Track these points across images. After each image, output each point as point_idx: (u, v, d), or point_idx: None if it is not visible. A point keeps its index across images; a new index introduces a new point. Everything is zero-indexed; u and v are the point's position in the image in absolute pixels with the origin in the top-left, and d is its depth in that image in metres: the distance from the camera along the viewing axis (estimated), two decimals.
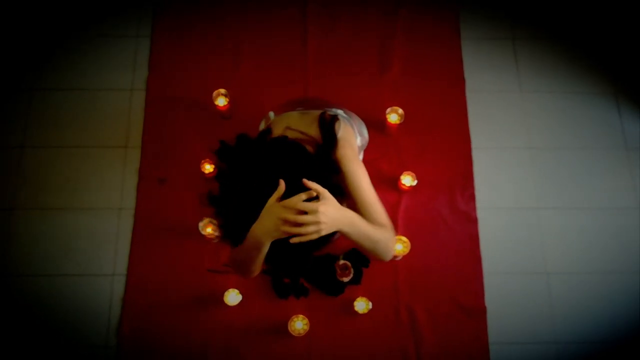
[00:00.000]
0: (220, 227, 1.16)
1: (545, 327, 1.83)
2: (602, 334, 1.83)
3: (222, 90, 1.93)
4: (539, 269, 1.89)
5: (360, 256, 1.84)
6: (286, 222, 0.98)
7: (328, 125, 1.23)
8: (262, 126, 1.54)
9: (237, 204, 1.07)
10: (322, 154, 1.17)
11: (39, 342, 1.76)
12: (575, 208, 1.97)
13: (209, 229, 1.77)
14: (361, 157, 1.42)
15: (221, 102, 1.92)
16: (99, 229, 1.89)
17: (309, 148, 1.17)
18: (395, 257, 1.82)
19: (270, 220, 1.00)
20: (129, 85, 2.07)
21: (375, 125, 1.97)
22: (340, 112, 1.41)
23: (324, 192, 1.00)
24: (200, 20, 2.17)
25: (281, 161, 1.08)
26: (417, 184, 1.90)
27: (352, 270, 1.79)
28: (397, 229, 1.90)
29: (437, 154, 2.01)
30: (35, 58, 2.10)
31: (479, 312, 1.82)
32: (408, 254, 1.80)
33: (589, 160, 2.04)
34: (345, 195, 1.15)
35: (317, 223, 0.98)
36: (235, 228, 1.09)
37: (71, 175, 1.95)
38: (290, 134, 1.21)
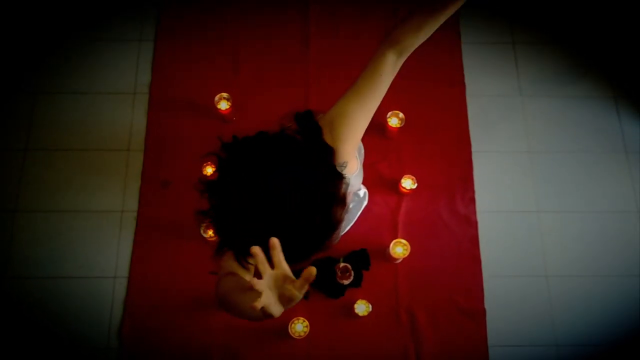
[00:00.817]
0: (213, 221, 1.08)
1: (544, 330, 1.83)
2: (602, 337, 1.83)
3: (225, 94, 1.94)
4: (539, 271, 1.90)
5: (360, 259, 1.85)
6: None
7: (304, 117, 1.18)
8: None
9: (233, 194, 1.03)
10: (309, 139, 1.12)
11: (41, 343, 1.77)
12: (575, 211, 1.98)
13: (210, 232, 1.78)
14: (360, 166, 1.41)
15: (223, 105, 1.94)
16: (101, 232, 1.90)
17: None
18: (395, 260, 1.83)
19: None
20: (132, 89, 2.09)
21: (376, 129, 1.99)
22: None
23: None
24: (203, 25, 2.19)
25: (276, 151, 1.03)
26: (418, 187, 1.91)
27: (352, 273, 1.80)
28: (397, 232, 1.91)
29: (437, 157, 2.02)
30: (38, 61, 2.11)
31: (479, 314, 1.83)
32: (408, 256, 1.81)
33: (589, 163, 2.05)
34: (346, 180, 1.11)
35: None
36: (230, 224, 1.04)
37: (74, 178, 1.96)
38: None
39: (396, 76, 2.15)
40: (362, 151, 1.61)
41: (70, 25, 2.18)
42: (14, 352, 1.76)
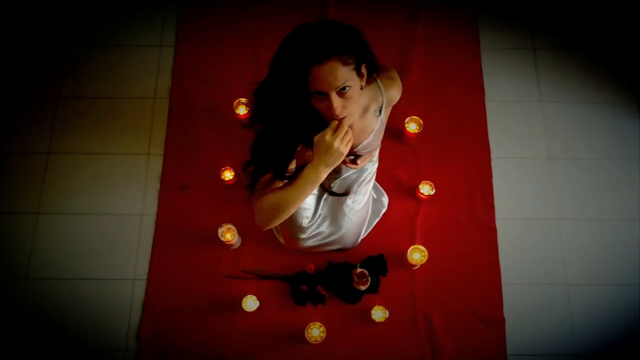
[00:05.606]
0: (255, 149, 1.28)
1: (564, 339, 1.80)
2: (623, 346, 1.79)
3: (243, 100, 1.96)
4: (559, 280, 1.87)
5: (377, 265, 1.84)
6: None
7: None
8: None
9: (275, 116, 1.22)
10: None
11: (61, 344, 1.80)
12: (596, 219, 1.95)
13: (228, 235, 1.79)
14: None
15: (242, 111, 1.95)
16: (121, 234, 1.92)
17: None
18: (412, 266, 1.82)
19: (331, 154, 1.18)
20: (152, 94, 2.11)
21: (394, 134, 1.98)
22: None
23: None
24: (222, 31, 2.21)
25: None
26: (436, 193, 1.90)
27: (369, 278, 1.79)
28: (415, 238, 1.90)
29: (456, 163, 2.01)
30: (60, 67, 2.16)
31: (498, 322, 1.81)
32: (426, 263, 1.80)
33: (610, 170, 2.02)
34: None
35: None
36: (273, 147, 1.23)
37: (95, 181, 1.99)
38: None
39: (415, 81, 2.16)
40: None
41: (92, 31, 2.22)
42: (34, 352, 1.79)
